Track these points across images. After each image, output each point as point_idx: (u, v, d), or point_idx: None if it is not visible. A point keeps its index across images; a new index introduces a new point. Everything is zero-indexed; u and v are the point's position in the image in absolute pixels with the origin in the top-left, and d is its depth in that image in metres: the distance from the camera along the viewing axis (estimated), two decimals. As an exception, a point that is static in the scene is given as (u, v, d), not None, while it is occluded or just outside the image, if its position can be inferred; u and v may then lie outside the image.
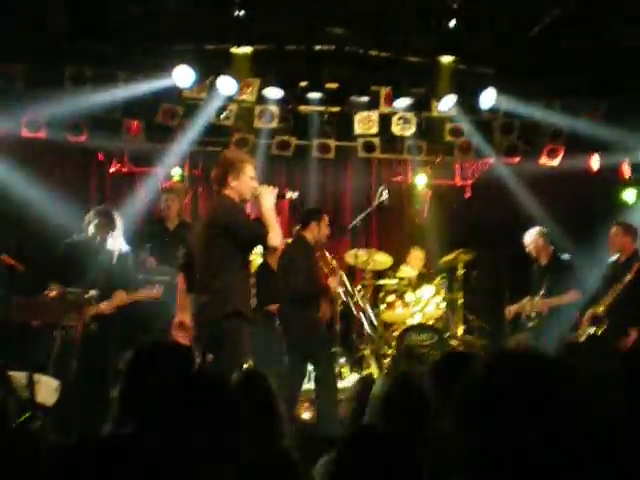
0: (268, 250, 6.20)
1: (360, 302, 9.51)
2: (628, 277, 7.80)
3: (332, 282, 8.19)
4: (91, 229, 7.57)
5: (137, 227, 9.12)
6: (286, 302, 7.76)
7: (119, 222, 7.65)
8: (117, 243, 7.66)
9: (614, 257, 8.26)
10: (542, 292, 8.59)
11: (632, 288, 7.75)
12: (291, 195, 6.40)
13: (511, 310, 8.90)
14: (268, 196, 5.90)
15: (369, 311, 9.58)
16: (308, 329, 7.67)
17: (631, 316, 7.66)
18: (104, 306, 7.38)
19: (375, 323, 9.59)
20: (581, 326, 8.01)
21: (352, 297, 9.47)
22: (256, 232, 5.83)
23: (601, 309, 7.86)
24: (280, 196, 6.21)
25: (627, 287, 7.79)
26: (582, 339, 7.91)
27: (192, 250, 6.14)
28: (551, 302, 8.49)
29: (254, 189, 5.95)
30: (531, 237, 8.68)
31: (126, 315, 7.60)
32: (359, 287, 9.75)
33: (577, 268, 8.64)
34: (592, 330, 7.81)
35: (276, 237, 5.81)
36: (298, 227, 8.20)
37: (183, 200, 9.50)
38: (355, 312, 9.44)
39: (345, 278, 9.25)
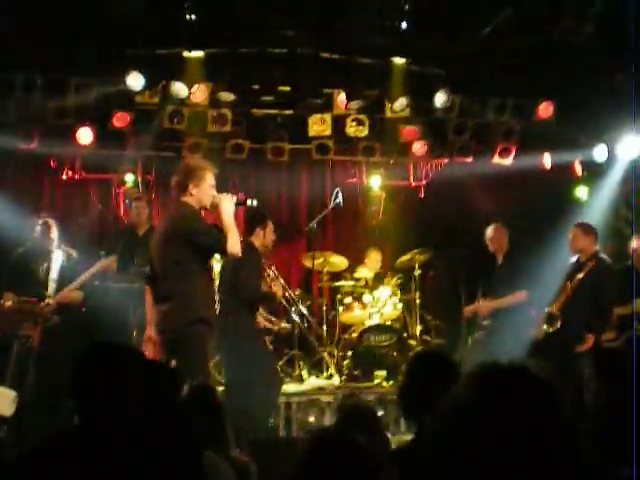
0: (226, 257, 6.17)
1: (302, 308, 9.50)
2: (580, 275, 7.88)
3: (277, 290, 8.10)
4: (39, 237, 7.62)
5: (97, 234, 9.11)
6: (232, 308, 7.45)
7: (57, 230, 7.72)
8: (64, 250, 7.74)
9: (575, 258, 8.33)
10: (494, 291, 8.68)
11: (583, 286, 7.83)
12: (251, 202, 6.37)
13: (469, 310, 8.98)
14: (227, 204, 5.93)
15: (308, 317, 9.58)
16: (249, 336, 7.55)
17: (584, 315, 7.74)
18: (61, 294, 7.46)
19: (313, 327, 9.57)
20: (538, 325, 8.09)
21: (294, 304, 9.44)
22: (215, 239, 5.85)
23: (555, 307, 7.94)
24: (239, 203, 6.20)
25: (579, 285, 7.87)
26: (539, 337, 8.00)
27: (152, 259, 6.11)
28: (500, 302, 8.56)
29: (214, 197, 5.98)
30: (493, 232, 8.75)
31: (83, 321, 7.59)
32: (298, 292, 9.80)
33: (529, 267, 8.73)
34: (546, 328, 7.89)
35: (235, 244, 5.84)
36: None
37: (151, 206, 9.54)
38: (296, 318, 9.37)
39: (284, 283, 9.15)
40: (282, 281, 8.85)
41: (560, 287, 8.19)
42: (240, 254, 6.00)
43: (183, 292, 5.82)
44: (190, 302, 5.80)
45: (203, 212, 6.15)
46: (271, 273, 8.70)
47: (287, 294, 9.25)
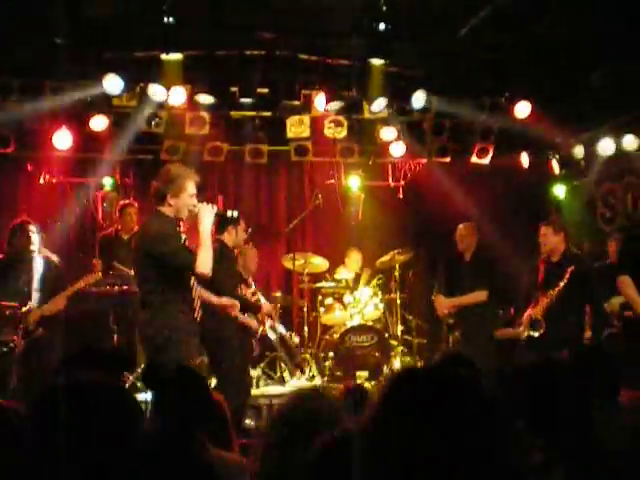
0: (196, 275, 5.95)
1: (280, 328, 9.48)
2: (562, 283, 7.89)
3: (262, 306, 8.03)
4: (19, 243, 7.58)
5: (76, 238, 9.10)
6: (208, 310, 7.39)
7: (37, 236, 7.66)
8: (44, 254, 7.70)
9: (545, 256, 8.37)
10: (460, 290, 8.73)
11: (566, 293, 7.86)
12: (231, 214, 6.31)
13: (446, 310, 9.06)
14: (207, 215, 5.78)
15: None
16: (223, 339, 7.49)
17: (568, 322, 7.78)
18: (46, 307, 7.40)
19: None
20: (520, 327, 8.10)
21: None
22: (182, 260, 5.70)
23: (538, 312, 7.96)
24: (219, 214, 6.12)
25: (562, 292, 7.89)
26: (522, 339, 8.02)
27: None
28: (460, 300, 8.61)
29: (193, 206, 5.81)
30: (461, 231, 8.81)
31: (68, 327, 7.57)
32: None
33: (497, 265, 8.80)
34: (531, 332, 7.91)
35: (205, 264, 5.69)
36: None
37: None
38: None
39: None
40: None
41: (534, 288, 8.23)
42: (210, 274, 5.86)
43: (158, 302, 5.74)
44: (165, 312, 5.74)
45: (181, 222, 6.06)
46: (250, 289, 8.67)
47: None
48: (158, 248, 5.67)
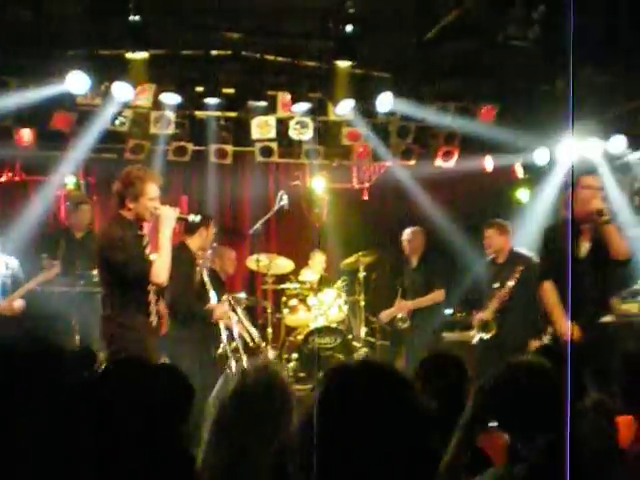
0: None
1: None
2: (510, 283, 7.94)
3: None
4: None
5: (39, 236, 9.01)
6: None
7: None
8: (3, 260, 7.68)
9: (491, 257, 8.42)
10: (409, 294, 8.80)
11: (517, 294, 7.91)
12: (193, 218, 6.24)
13: (385, 314, 9.14)
14: (168, 219, 5.71)
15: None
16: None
17: (520, 323, 7.80)
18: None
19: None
20: (472, 329, 8.15)
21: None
22: (136, 270, 5.62)
23: (488, 314, 8.01)
24: (181, 219, 6.07)
25: (511, 293, 7.94)
26: (473, 342, 8.08)
27: None
28: (419, 302, 8.67)
29: (154, 209, 5.73)
30: (409, 236, 8.87)
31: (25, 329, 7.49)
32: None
33: (456, 268, 8.88)
34: (482, 335, 7.96)
35: (161, 273, 5.64)
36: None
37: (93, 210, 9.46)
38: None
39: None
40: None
41: (481, 289, 8.30)
42: (165, 283, 5.81)
43: (117, 301, 5.71)
44: (121, 315, 5.68)
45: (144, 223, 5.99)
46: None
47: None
48: (113, 256, 5.60)
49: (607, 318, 6.43)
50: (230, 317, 7.69)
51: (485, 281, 8.47)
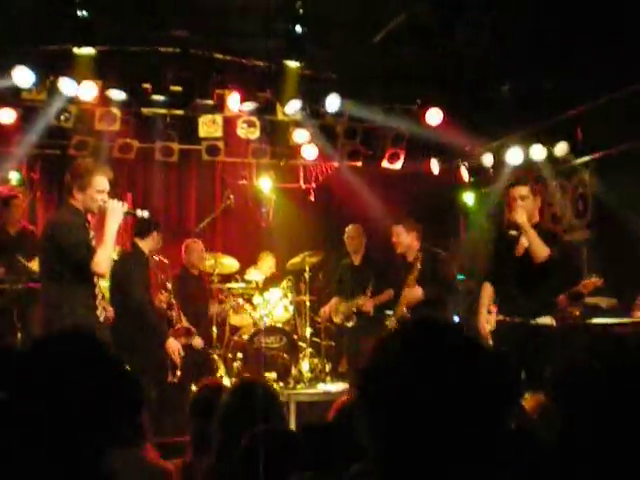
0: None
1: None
2: (411, 277, 8.04)
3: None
4: None
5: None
6: (121, 316, 7.02)
7: None
8: None
9: (401, 256, 8.49)
10: (365, 292, 8.83)
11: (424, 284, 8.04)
12: (141, 213, 6.24)
13: (325, 311, 9.17)
14: (115, 213, 5.72)
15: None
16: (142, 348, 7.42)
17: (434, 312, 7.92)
18: None
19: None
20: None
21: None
22: (80, 257, 5.63)
23: (402, 309, 8.09)
24: (129, 213, 6.07)
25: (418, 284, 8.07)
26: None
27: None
28: (379, 299, 8.72)
29: (102, 202, 5.75)
30: (349, 232, 8.91)
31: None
32: None
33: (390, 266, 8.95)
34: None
35: (103, 263, 5.64)
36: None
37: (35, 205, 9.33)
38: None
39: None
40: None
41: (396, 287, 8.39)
42: (106, 274, 5.83)
43: (52, 298, 5.69)
44: (60, 311, 5.63)
45: (90, 215, 5.99)
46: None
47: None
48: (60, 238, 5.64)
49: (545, 320, 6.55)
50: (180, 354, 7.72)
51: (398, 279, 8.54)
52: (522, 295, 6.45)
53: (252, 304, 9.79)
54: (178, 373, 7.82)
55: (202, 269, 9.09)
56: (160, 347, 7.53)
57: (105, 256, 5.64)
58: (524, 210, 6.35)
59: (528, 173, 8.71)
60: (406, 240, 8.31)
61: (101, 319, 5.88)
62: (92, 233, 5.91)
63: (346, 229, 9.11)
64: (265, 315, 9.66)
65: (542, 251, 6.31)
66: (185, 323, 8.84)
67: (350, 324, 9.14)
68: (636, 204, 8.63)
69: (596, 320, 7.77)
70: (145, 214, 6.27)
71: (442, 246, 9.25)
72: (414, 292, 8.19)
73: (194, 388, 8.00)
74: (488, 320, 6.70)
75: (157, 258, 8.58)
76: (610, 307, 8.12)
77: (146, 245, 7.68)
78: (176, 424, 6.87)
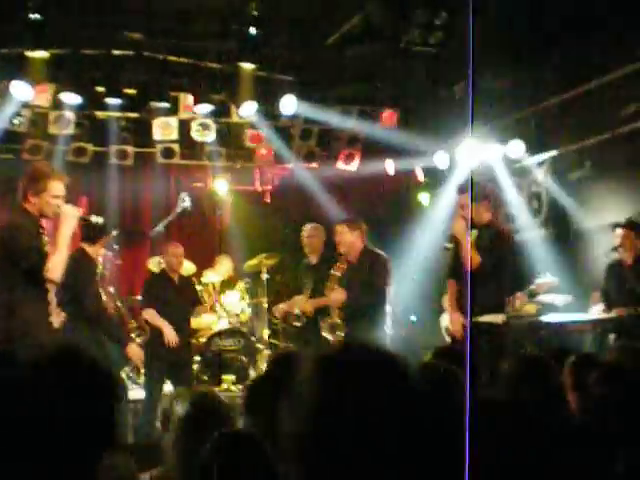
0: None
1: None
2: (333, 280, 8.05)
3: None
4: None
5: None
6: (74, 321, 6.89)
7: None
8: None
9: (344, 256, 8.42)
10: (309, 292, 8.80)
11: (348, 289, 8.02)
12: (96, 220, 6.21)
13: (278, 308, 9.15)
14: (69, 219, 5.63)
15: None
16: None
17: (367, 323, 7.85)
18: None
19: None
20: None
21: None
22: (35, 261, 5.54)
23: (336, 315, 8.06)
24: (84, 219, 6.02)
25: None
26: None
27: None
28: (318, 302, 8.63)
29: (57, 207, 5.64)
30: (307, 232, 8.88)
31: None
32: None
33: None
34: (330, 337, 7.99)
35: (56, 269, 5.55)
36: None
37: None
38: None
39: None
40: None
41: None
42: (59, 280, 5.74)
43: (7, 305, 5.60)
44: (13, 317, 5.55)
45: (44, 220, 5.91)
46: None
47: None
48: (10, 244, 5.54)
49: (494, 318, 6.67)
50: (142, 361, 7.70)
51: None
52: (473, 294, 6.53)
53: (209, 307, 9.77)
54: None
55: (181, 273, 8.97)
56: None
57: (59, 262, 5.55)
58: (463, 220, 6.48)
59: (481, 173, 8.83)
60: (349, 239, 8.11)
61: (55, 325, 5.81)
62: (46, 238, 5.84)
63: (304, 228, 9.07)
64: (222, 317, 9.65)
65: (473, 260, 6.51)
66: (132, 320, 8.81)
67: (297, 323, 9.05)
68: (589, 202, 8.78)
69: (549, 317, 7.87)
70: (100, 220, 6.24)
71: (399, 246, 9.30)
72: (335, 295, 8.08)
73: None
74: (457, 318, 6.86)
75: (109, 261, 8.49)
76: (565, 304, 8.24)
77: (95, 251, 7.58)
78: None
